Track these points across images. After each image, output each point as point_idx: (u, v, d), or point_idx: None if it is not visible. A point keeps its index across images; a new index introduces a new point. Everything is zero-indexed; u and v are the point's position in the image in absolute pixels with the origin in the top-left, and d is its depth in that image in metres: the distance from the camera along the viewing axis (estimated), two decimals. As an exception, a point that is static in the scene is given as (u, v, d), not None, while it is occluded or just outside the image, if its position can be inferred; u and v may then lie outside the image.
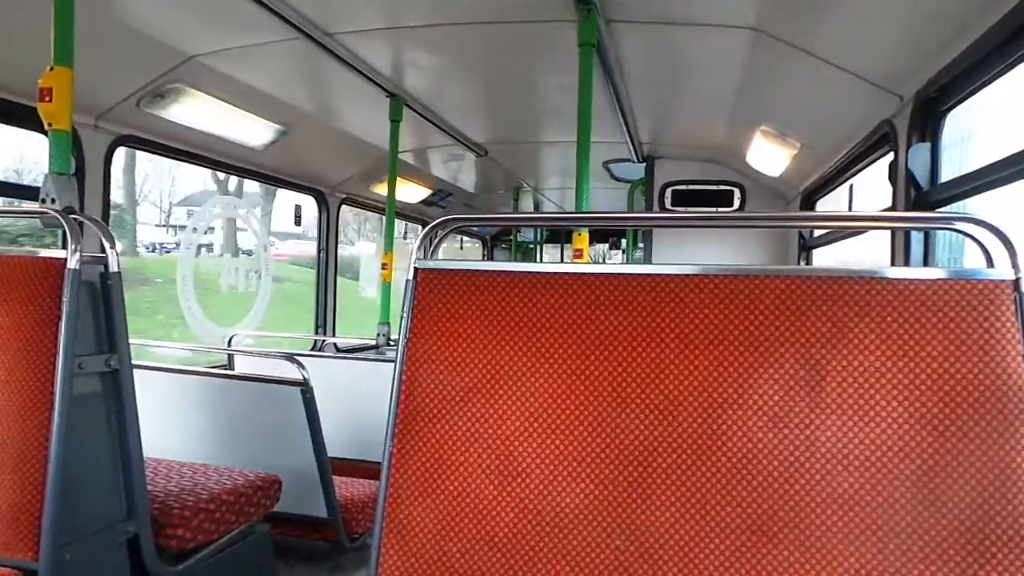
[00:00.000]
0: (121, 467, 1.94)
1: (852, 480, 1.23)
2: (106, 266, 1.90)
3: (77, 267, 1.80)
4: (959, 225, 1.39)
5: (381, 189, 4.92)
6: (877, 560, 1.20)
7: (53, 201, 1.97)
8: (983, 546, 1.17)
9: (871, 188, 3.43)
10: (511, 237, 9.22)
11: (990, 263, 1.32)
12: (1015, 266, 1.24)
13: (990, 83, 2.15)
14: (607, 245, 9.70)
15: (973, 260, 1.42)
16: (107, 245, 1.91)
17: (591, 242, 10.28)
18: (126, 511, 1.95)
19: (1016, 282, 1.24)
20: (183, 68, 3.05)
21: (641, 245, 6.31)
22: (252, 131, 3.89)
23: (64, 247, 1.83)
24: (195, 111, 3.40)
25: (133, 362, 2.02)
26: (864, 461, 1.23)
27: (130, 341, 2.01)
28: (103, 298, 1.91)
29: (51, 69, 1.96)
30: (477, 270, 1.46)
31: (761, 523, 1.25)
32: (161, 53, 2.93)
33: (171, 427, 2.83)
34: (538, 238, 9.38)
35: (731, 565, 1.25)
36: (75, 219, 1.87)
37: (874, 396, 1.25)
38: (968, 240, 1.37)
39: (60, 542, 1.72)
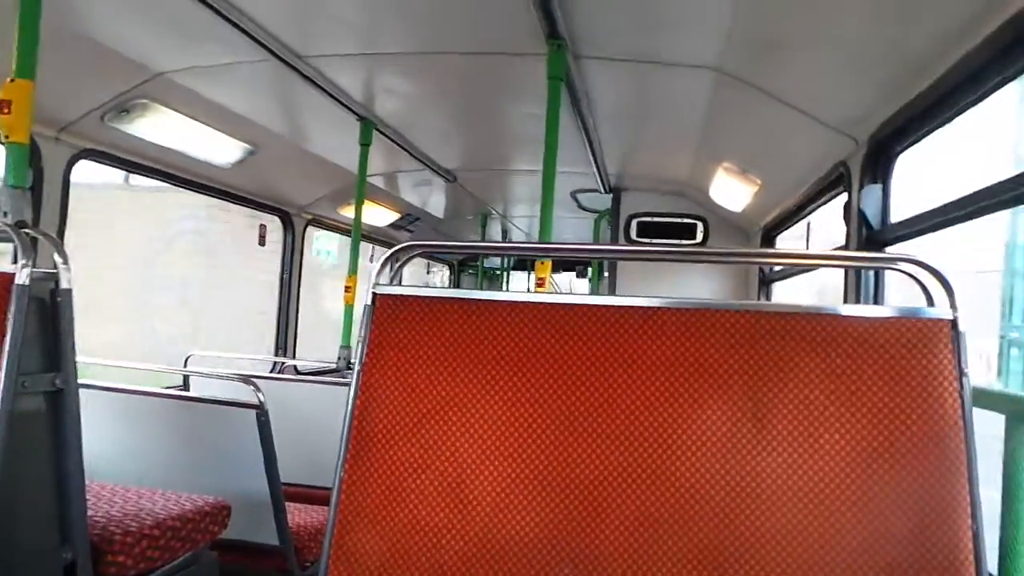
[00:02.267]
0: (60, 490, 1.88)
1: (796, 511, 1.25)
2: (57, 283, 1.86)
3: (26, 283, 1.76)
4: (902, 265, 1.44)
5: (349, 212, 4.91)
6: None
7: (5, 215, 1.92)
8: (921, 574, 1.20)
9: (829, 226, 3.54)
10: (478, 263, 9.24)
11: (930, 302, 1.36)
12: (953, 306, 1.29)
13: (938, 128, 2.24)
14: (575, 273, 9.78)
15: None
16: (59, 261, 1.87)
17: (559, 270, 10.31)
18: (63, 536, 1.88)
19: (954, 321, 1.28)
20: (150, 84, 3.03)
21: (607, 275, 6.38)
22: (219, 149, 3.86)
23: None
24: (161, 127, 3.37)
25: (83, 381, 1.96)
26: (807, 492, 1.26)
27: (83, 360, 1.95)
28: (53, 315, 1.86)
29: (11, 81, 1.93)
30: (435, 297, 1.47)
31: (708, 553, 1.26)
32: (128, 68, 2.91)
33: (119, 449, 2.75)
34: (504, 265, 9.42)
35: None
36: (27, 234, 1.83)
37: (817, 429, 1.28)
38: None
39: None
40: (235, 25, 2.56)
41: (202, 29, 2.63)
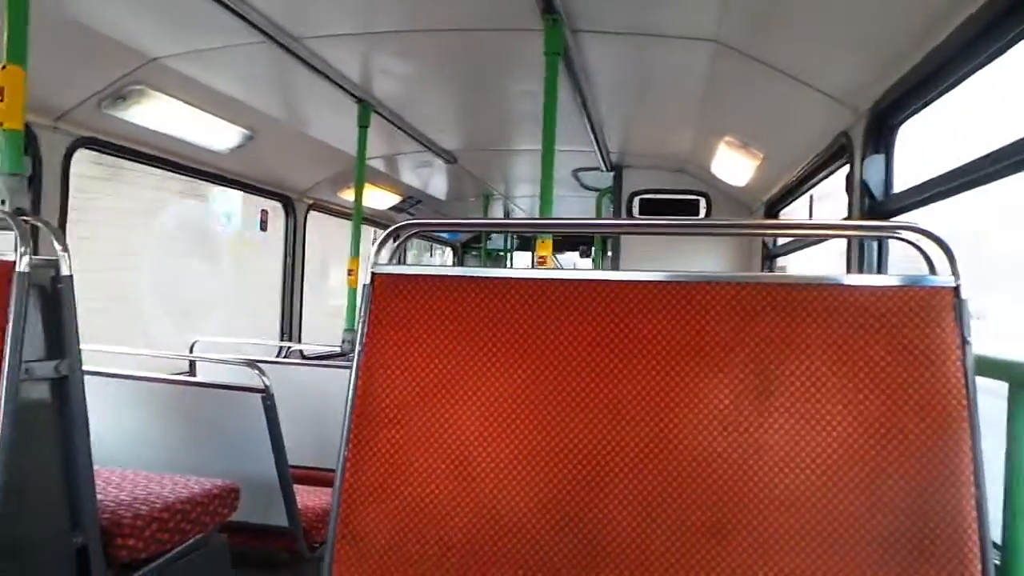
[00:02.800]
0: (69, 476, 1.90)
1: (799, 483, 1.25)
2: (57, 269, 1.86)
3: (27, 270, 1.76)
4: (904, 234, 1.43)
5: (349, 195, 4.90)
6: (823, 560, 1.22)
7: (3, 203, 1.92)
8: (924, 544, 1.20)
9: (833, 198, 3.52)
10: (481, 245, 9.23)
11: (932, 271, 1.35)
12: (955, 273, 1.28)
13: (939, 97, 2.22)
14: (578, 253, 9.76)
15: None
16: (59, 248, 1.87)
17: (562, 250, 10.26)
18: (73, 521, 1.90)
19: (956, 288, 1.27)
20: (145, 70, 3.01)
21: (610, 253, 6.37)
22: (217, 135, 3.84)
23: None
24: (158, 114, 3.35)
25: (87, 368, 1.98)
26: (811, 464, 1.26)
27: (88, 347, 1.96)
28: (54, 302, 1.87)
29: (3, 67, 1.92)
30: (434, 275, 1.47)
31: (711, 524, 1.26)
32: (123, 54, 2.89)
33: (126, 435, 2.77)
34: (508, 245, 9.40)
35: (682, 565, 1.26)
36: (26, 221, 1.83)
37: (820, 400, 1.27)
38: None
39: (3, 553, 1.68)
40: (229, 8, 2.54)
41: (196, 13, 2.61)
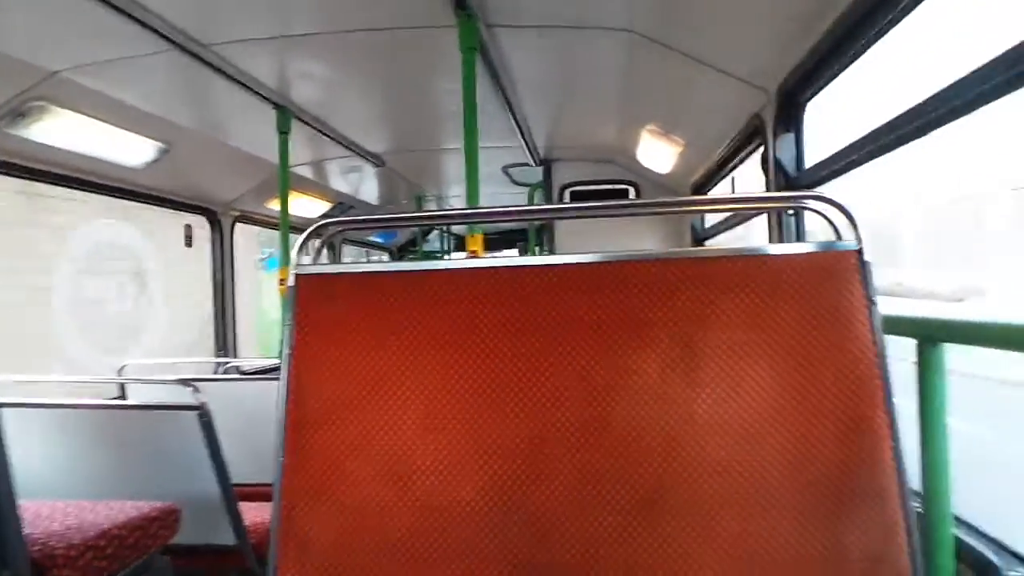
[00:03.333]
0: None
1: (727, 449, 1.31)
2: None
3: None
4: (810, 203, 1.51)
5: (277, 205, 4.80)
6: (754, 521, 1.28)
7: None
8: (847, 498, 1.27)
9: (752, 178, 3.65)
10: (417, 248, 9.17)
11: (838, 236, 1.43)
12: (858, 237, 1.35)
13: (841, 72, 2.33)
14: (515, 251, 9.80)
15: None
16: None
17: (499, 247, 10.25)
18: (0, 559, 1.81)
19: (859, 252, 1.35)
20: (46, 84, 2.87)
21: (546, 249, 6.43)
22: (130, 149, 3.69)
23: None
24: (64, 130, 3.20)
25: (6, 400, 1.88)
26: (737, 430, 1.31)
27: (8, 378, 1.86)
28: None
29: None
30: (360, 272, 1.46)
31: (647, 497, 1.30)
32: (19, 69, 2.75)
33: (57, 466, 2.64)
34: (444, 247, 9.37)
35: (621, 540, 1.29)
36: None
37: (742, 368, 1.33)
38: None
39: None
40: (130, 16, 2.44)
41: (95, 23, 2.50)
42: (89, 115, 3.19)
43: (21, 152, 3.18)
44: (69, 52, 2.75)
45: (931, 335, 1.44)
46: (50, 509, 2.29)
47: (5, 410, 1.88)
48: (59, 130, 3.17)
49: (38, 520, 2.16)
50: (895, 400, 1.30)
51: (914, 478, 1.37)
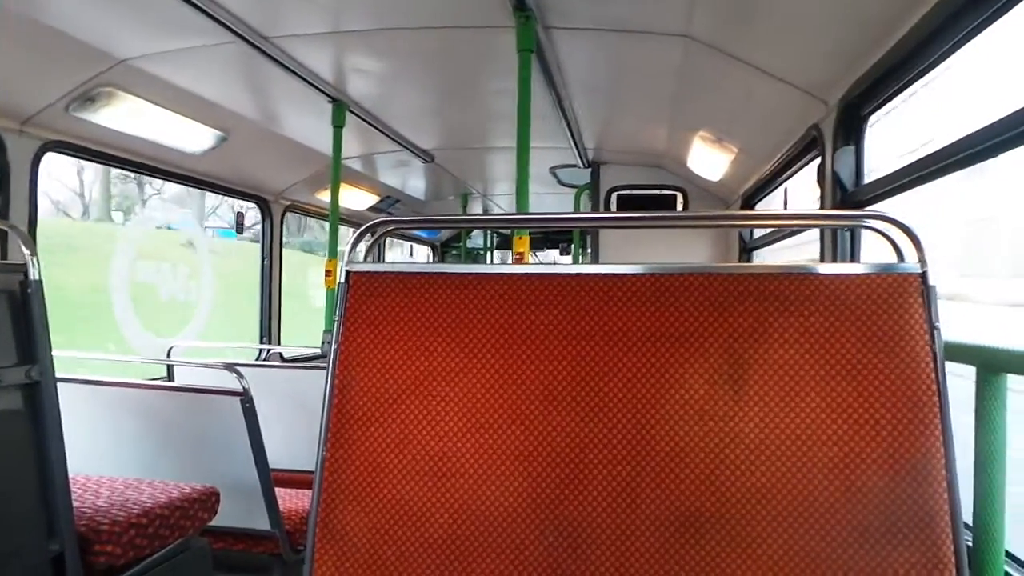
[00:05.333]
0: (43, 483, 1.87)
1: (773, 471, 1.27)
2: (26, 274, 1.84)
3: None
4: (872, 223, 1.46)
5: (326, 196, 4.87)
6: (798, 547, 1.24)
7: None
8: (895, 528, 1.23)
9: (806, 190, 3.56)
10: (460, 244, 9.21)
11: (901, 258, 1.38)
12: (922, 260, 1.30)
13: (905, 88, 2.25)
14: (557, 251, 9.78)
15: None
16: (27, 253, 1.84)
17: (542, 247, 10.26)
18: (49, 529, 1.88)
19: (923, 275, 1.30)
20: (114, 71, 2.97)
21: (590, 251, 6.40)
22: (190, 136, 3.80)
23: None
24: (128, 116, 3.30)
25: (63, 376, 1.95)
26: (784, 452, 1.27)
27: (63, 354, 1.93)
28: (24, 307, 1.84)
29: None
30: (409, 272, 1.46)
31: (688, 516, 1.28)
32: (90, 56, 2.84)
33: (104, 442, 2.73)
34: (487, 244, 9.40)
35: (660, 558, 1.27)
36: None
37: (793, 388, 1.29)
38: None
39: None
40: (197, 7, 2.51)
41: (165, 13, 2.58)
42: (153, 102, 3.29)
43: (90, 135, 3.29)
44: (139, 41, 2.83)
45: (993, 364, 1.38)
46: (96, 484, 2.37)
47: (60, 386, 1.95)
48: (125, 115, 3.27)
49: (85, 494, 2.24)
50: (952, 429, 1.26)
51: (965, 507, 1.32)
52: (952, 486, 1.24)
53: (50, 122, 3.04)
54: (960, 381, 1.37)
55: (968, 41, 1.85)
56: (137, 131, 3.45)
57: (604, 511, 1.30)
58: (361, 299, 1.45)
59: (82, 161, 3.59)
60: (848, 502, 1.25)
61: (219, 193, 4.71)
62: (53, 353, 1.92)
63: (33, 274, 1.84)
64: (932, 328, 1.28)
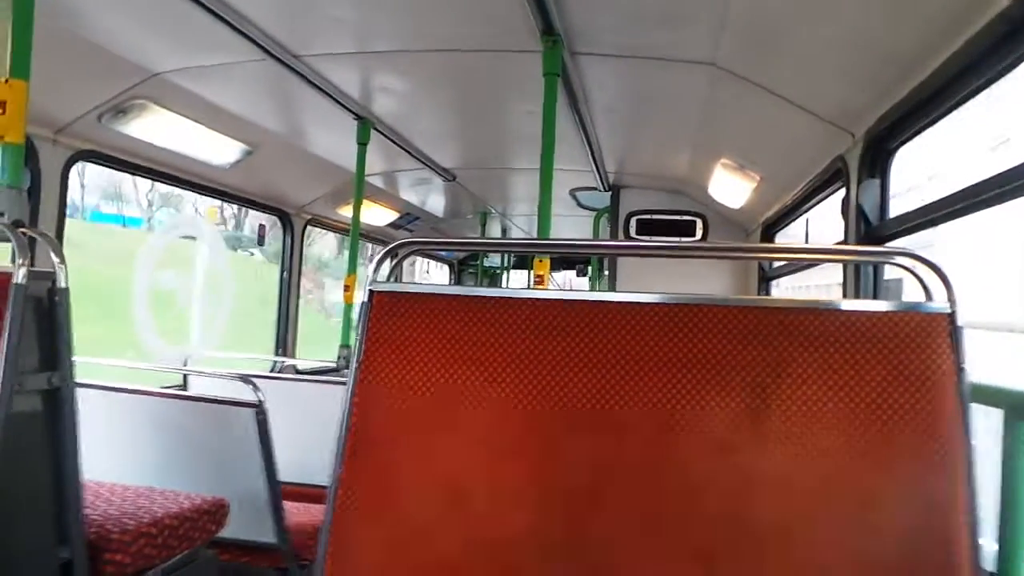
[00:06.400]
0: (57, 489, 1.88)
1: (792, 509, 1.25)
2: (54, 281, 1.86)
3: (23, 282, 1.76)
4: (898, 259, 1.44)
5: (347, 211, 4.91)
6: None
7: (2, 215, 1.92)
8: (916, 572, 1.19)
9: (828, 221, 3.54)
10: (478, 262, 9.23)
11: (928, 296, 1.36)
12: (951, 299, 1.28)
13: (934, 123, 2.24)
14: (574, 272, 9.77)
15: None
16: (56, 260, 1.87)
17: (560, 268, 10.29)
18: (59, 535, 1.88)
19: (952, 315, 1.27)
20: (147, 84, 3.03)
21: (607, 273, 6.38)
22: (217, 150, 3.86)
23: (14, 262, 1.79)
24: (158, 128, 3.37)
25: (79, 381, 1.96)
26: (805, 490, 1.25)
27: (81, 359, 1.95)
28: (50, 314, 1.86)
29: (6, 82, 1.93)
30: (432, 293, 1.46)
31: (704, 549, 1.25)
32: (124, 69, 2.91)
33: (117, 448, 2.75)
34: (505, 264, 9.41)
35: None
36: (24, 233, 1.83)
37: (815, 426, 1.27)
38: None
39: None
40: (230, 25, 2.56)
41: (197, 29, 2.63)
42: (184, 115, 3.35)
43: (120, 145, 3.35)
44: (173, 56, 2.89)
45: (1021, 408, 1.35)
46: (108, 491, 2.37)
47: (77, 391, 1.96)
48: (155, 127, 3.33)
49: (96, 501, 2.24)
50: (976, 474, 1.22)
51: (988, 555, 1.28)
52: (974, 532, 1.21)
53: (82, 132, 3.10)
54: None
55: (1001, 78, 1.83)
56: (166, 143, 3.51)
57: (619, 541, 1.28)
58: (383, 318, 1.45)
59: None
60: (869, 545, 1.22)
61: (242, 205, 4.77)
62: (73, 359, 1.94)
63: (61, 281, 1.86)
64: (959, 369, 1.26)
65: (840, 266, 2.94)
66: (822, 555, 1.22)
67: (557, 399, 1.35)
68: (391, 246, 1.51)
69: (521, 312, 1.41)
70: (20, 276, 1.75)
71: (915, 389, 1.26)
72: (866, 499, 1.23)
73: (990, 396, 1.38)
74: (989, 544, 1.28)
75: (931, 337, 1.27)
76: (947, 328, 1.27)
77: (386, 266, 1.52)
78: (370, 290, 1.46)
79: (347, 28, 2.75)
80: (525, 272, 9.82)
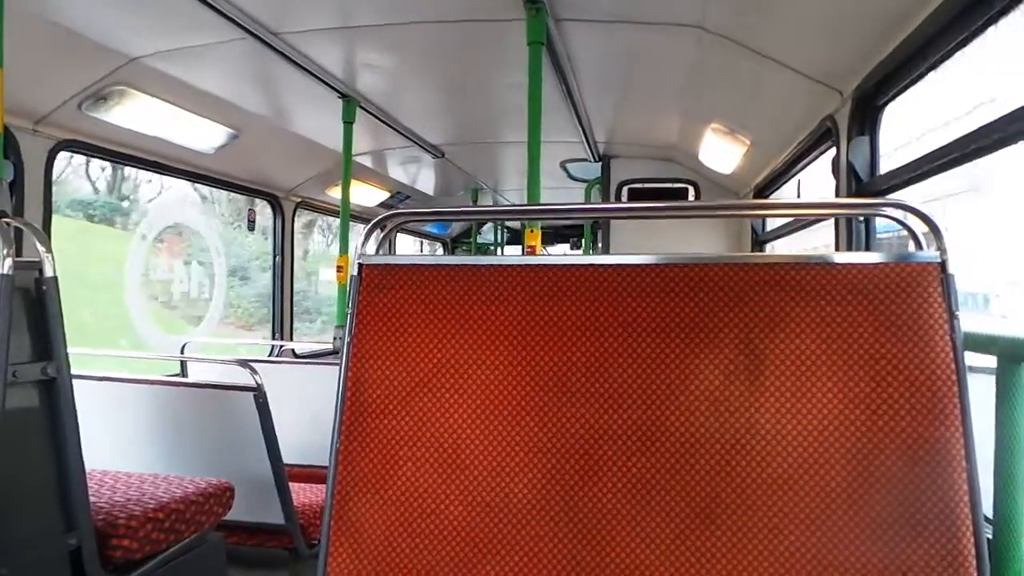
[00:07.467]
0: (61, 478, 1.88)
1: (790, 462, 1.26)
2: (41, 271, 1.85)
3: (10, 272, 1.75)
4: (889, 211, 1.44)
5: (337, 192, 4.88)
6: (816, 538, 1.23)
7: None
8: (914, 520, 1.21)
9: (819, 182, 3.53)
10: (471, 239, 9.22)
11: (919, 246, 1.36)
12: (941, 248, 1.28)
13: (922, 78, 2.22)
14: (568, 245, 9.76)
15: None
16: (42, 250, 1.85)
17: (552, 242, 10.26)
18: (67, 523, 1.89)
19: (943, 264, 1.28)
20: (125, 70, 2.98)
21: (600, 244, 6.38)
22: (202, 134, 3.81)
23: None
24: (141, 114, 3.32)
25: (78, 372, 1.96)
26: (801, 443, 1.26)
27: (78, 350, 1.95)
28: (39, 304, 1.85)
29: None
30: (423, 264, 1.46)
31: (704, 507, 1.27)
32: (102, 55, 2.86)
33: (120, 437, 2.76)
34: (498, 239, 9.39)
35: (675, 549, 1.26)
36: (7, 223, 1.81)
37: (810, 379, 1.28)
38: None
39: None
40: (208, 4, 2.51)
41: (175, 11, 2.58)
42: (165, 100, 3.31)
43: (102, 134, 3.31)
44: (150, 39, 2.84)
45: (1014, 353, 1.35)
46: (113, 479, 2.39)
47: (75, 382, 1.96)
48: (137, 114, 3.29)
49: (102, 489, 2.26)
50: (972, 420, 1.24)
51: (985, 499, 1.30)
52: (972, 478, 1.22)
53: (63, 121, 3.06)
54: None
55: (986, 30, 1.82)
56: (149, 129, 3.47)
57: (618, 502, 1.30)
58: (374, 291, 1.45)
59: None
60: (866, 493, 1.23)
61: (230, 191, 4.73)
62: (68, 350, 1.94)
63: (48, 271, 1.85)
64: (952, 317, 1.26)
65: (834, 228, 2.94)
66: (820, 506, 1.24)
67: (551, 364, 1.36)
68: (378, 219, 1.51)
69: (512, 279, 1.41)
70: (5, 267, 1.75)
71: (908, 338, 1.26)
72: (863, 449, 1.25)
73: (983, 343, 1.38)
74: (986, 489, 1.29)
75: (923, 286, 1.27)
76: (938, 277, 1.27)
77: (375, 240, 1.51)
78: (359, 264, 1.46)
79: (328, 3, 2.70)
80: (519, 248, 9.80)
